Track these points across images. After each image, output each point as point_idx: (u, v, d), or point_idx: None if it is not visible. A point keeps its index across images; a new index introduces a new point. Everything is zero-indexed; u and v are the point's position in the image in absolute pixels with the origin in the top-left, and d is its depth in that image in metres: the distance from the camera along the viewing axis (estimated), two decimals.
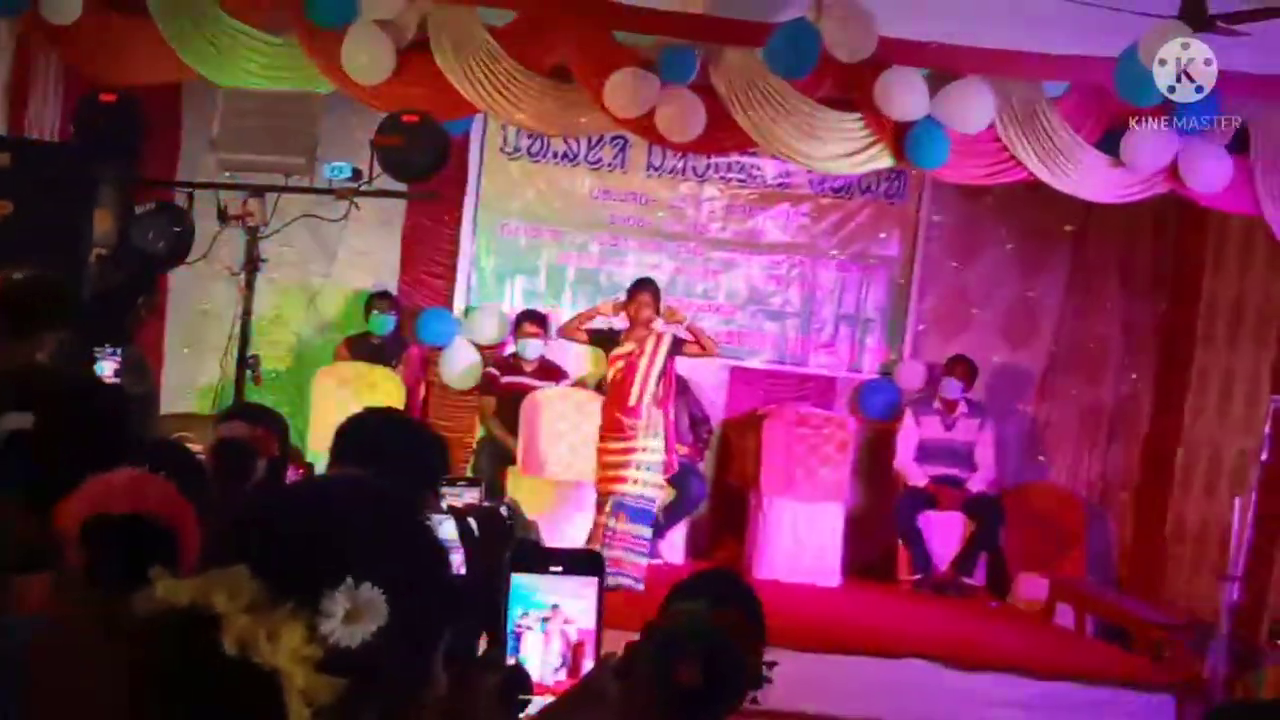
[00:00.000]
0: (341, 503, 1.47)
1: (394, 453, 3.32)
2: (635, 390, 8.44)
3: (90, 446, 2.72)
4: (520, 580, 2.17)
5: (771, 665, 2.86)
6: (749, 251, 10.73)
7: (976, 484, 9.94)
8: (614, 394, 8.57)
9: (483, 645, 2.14)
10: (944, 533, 9.91)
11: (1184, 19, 7.11)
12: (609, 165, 10.54)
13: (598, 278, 10.59)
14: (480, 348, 10.32)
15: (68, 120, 8.28)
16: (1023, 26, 7.95)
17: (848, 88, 8.46)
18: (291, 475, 4.67)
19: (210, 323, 9.61)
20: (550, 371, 10.09)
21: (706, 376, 10.48)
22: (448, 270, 10.56)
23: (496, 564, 2.03)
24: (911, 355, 10.75)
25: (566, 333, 9.15)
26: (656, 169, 10.56)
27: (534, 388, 9.86)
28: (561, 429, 9.63)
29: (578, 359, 10.32)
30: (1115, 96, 8.01)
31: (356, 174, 7.22)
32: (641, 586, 8.21)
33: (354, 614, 1.33)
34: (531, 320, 10.07)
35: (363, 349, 9.99)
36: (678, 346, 8.65)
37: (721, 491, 10.48)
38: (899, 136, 8.42)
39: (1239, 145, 8.35)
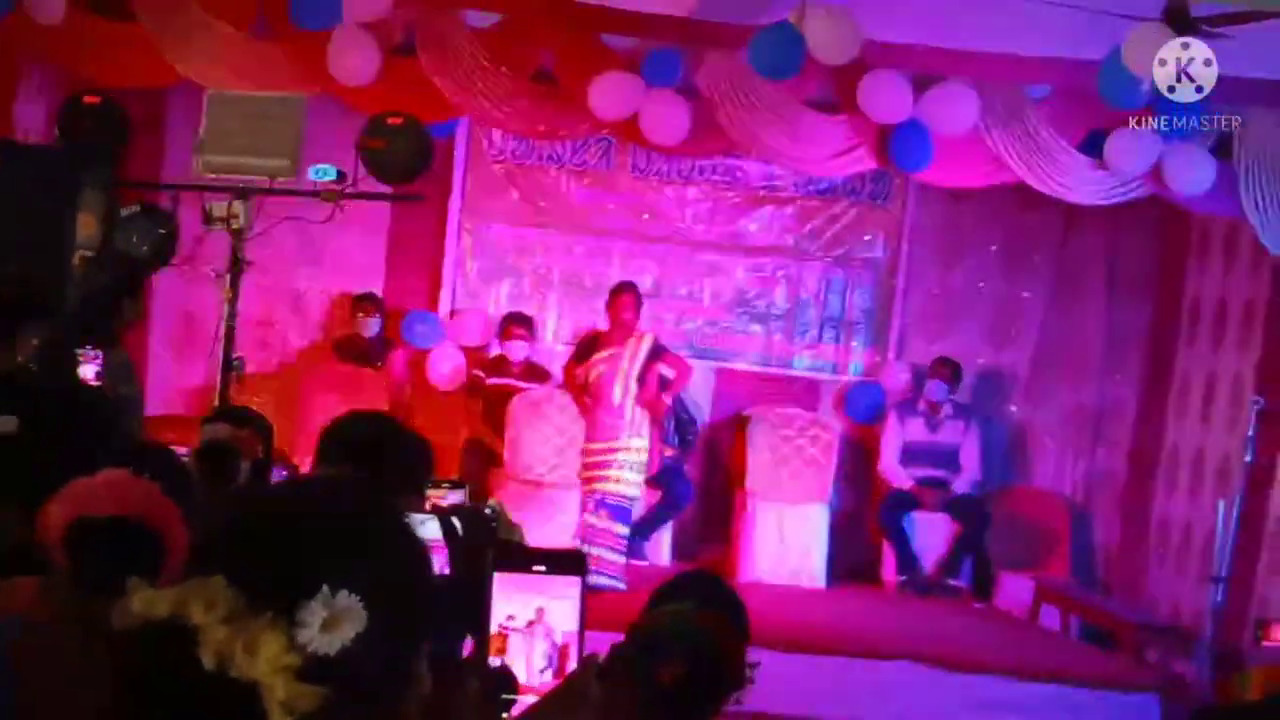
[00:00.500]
0: (318, 508, 1.46)
1: (379, 455, 3.33)
2: (618, 390, 8.47)
3: (74, 449, 2.72)
4: (504, 581, 2.17)
5: (755, 666, 2.87)
6: (734, 253, 10.73)
7: (961, 486, 9.95)
8: (596, 395, 8.59)
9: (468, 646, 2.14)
10: (929, 534, 9.91)
11: (1167, 22, 7.13)
12: (594, 168, 10.54)
13: (583, 280, 10.59)
14: (465, 350, 10.32)
15: (52, 122, 8.26)
16: (1006, 29, 7.96)
17: (832, 90, 8.48)
18: (276, 477, 4.67)
19: (195, 325, 9.61)
20: (536, 373, 10.10)
21: (692, 378, 10.47)
22: (433, 273, 10.56)
23: (480, 564, 2.03)
24: (896, 357, 10.74)
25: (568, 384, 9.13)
26: (641, 171, 10.56)
27: (520, 389, 9.87)
28: (547, 431, 9.64)
29: (564, 362, 10.33)
30: (1098, 99, 8.02)
31: (341, 176, 7.21)
32: (623, 585, 8.23)
33: (332, 621, 1.32)
34: (517, 322, 10.08)
35: (348, 351, 9.99)
36: (659, 351, 8.68)
37: (707, 493, 10.47)
38: (883, 139, 8.44)
39: (1222, 148, 8.37)
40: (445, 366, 10.23)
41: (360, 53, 8.10)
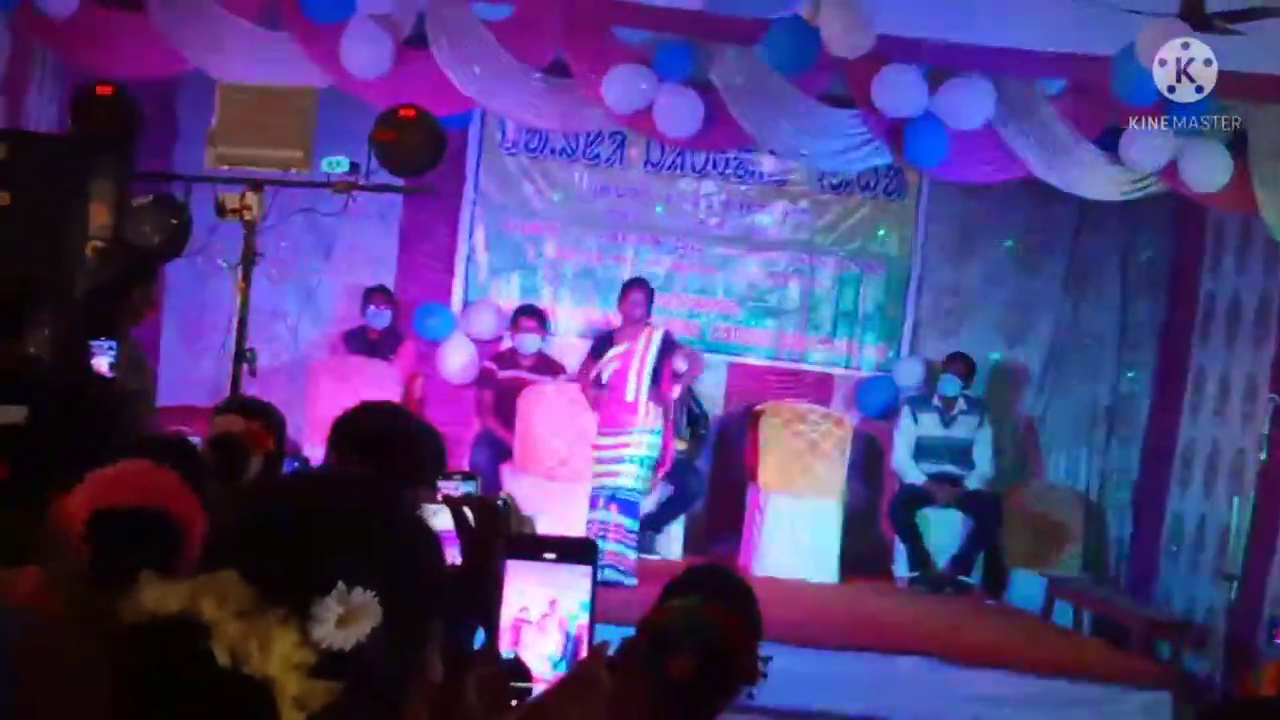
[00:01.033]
0: (331, 503, 1.45)
1: (391, 447, 3.32)
2: (631, 386, 8.46)
3: (83, 440, 2.72)
4: (517, 574, 2.16)
5: (766, 661, 2.86)
6: (747, 248, 10.72)
7: (974, 481, 9.92)
8: (611, 391, 8.57)
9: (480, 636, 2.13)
10: (941, 530, 9.89)
11: (1183, 18, 7.11)
12: (607, 161, 10.53)
13: (595, 273, 10.59)
14: (477, 342, 10.32)
15: (65, 113, 8.27)
16: (1021, 24, 7.95)
17: (846, 84, 8.46)
18: (288, 469, 4.66)
19: (207, 316, 9.61)
20: (548, 366, 10.09)
21: (705, 373, 10.48)
22: (445, 265, 10.56)
23: (491, 554, 2.01)
24: (909, 352, 10.74)
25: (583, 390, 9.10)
26: (654, 165, 10.55)
27: (531, 383, 9.86)
28: (558, 424, 9.63)
29: (576, 355, 10.33)
30: (1114, 95, 8.00)
31: (354, 168, 7.21)
32: (633, 580, 8.22)
33: (347, 617, 1.32)
34: (529, 315, 10.08)
35: (359, 343, 10.00)
36: (671, 346, 8.66)
37: (719, 487, 10.47)
38: (897, 133, 8.42)
39: (1237, 144, 8.34)
40: (457, 359, 10.22)
41: (373, 45, 8.09)
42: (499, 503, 2.24)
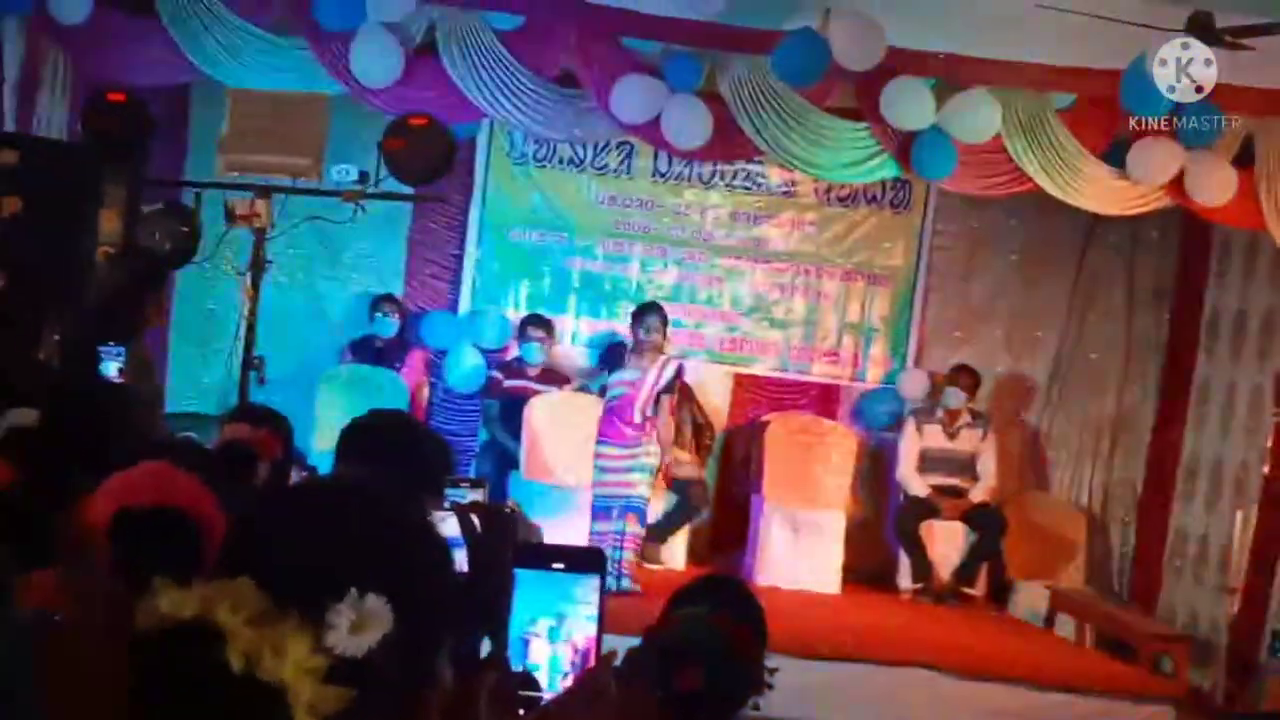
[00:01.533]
0: (343, 511, 1.47)
1: (398, 455, 3.32)
2: (638, 412, 8.49)
3: (92, 444, 2.73)
4: (526, 584, 2.17)
5: (773, 672, 2.87)
6: (754, 259, 10.72)
7: (978, 494, 9.91)
8: (618, 412, 8.58)
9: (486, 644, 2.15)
10: (945, 542, 9.89)
11: (1191, 32, 7.12)
12: (614, 171, 10.53)
13: (602, 283, 10.60)
14: (484, 351, 10.33)
15: (76, 119, 8.29)
16: (1030, 38, 7.96)
17: (854, 97, 8.48)
18: (295, 477, 4.68)
19: (216, 323, 9.64)
20: (554, 376, 10.10)
21: (710, 384, 10.49)
22: (452, 274, 10.56)
23: (499, 562, 2.03)
24: (915, 364, 10.73)
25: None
26: (662, 175, 10.56)
27: (538, 392, 9.87)
28: (564, 433, 9.64)
29: (583, 364, 10.36)
30: (1121, 109, 8.01)
31: (363, 176, 7.24)
32: (637, 588, 8.23)
33: (360, 624, 1.33)
34: (536, 324, 10.08)
35: (367, 351, 10.00)
36: (675, 383, 8.67)
37: (723, 498, 10.47)
38: (905, 146, 8.43)
39: (1244, 159, 8.35)
40: (464, 367, 10.23)
41: (384, 53, 8.11)
42: (506, 510, 2.25)
